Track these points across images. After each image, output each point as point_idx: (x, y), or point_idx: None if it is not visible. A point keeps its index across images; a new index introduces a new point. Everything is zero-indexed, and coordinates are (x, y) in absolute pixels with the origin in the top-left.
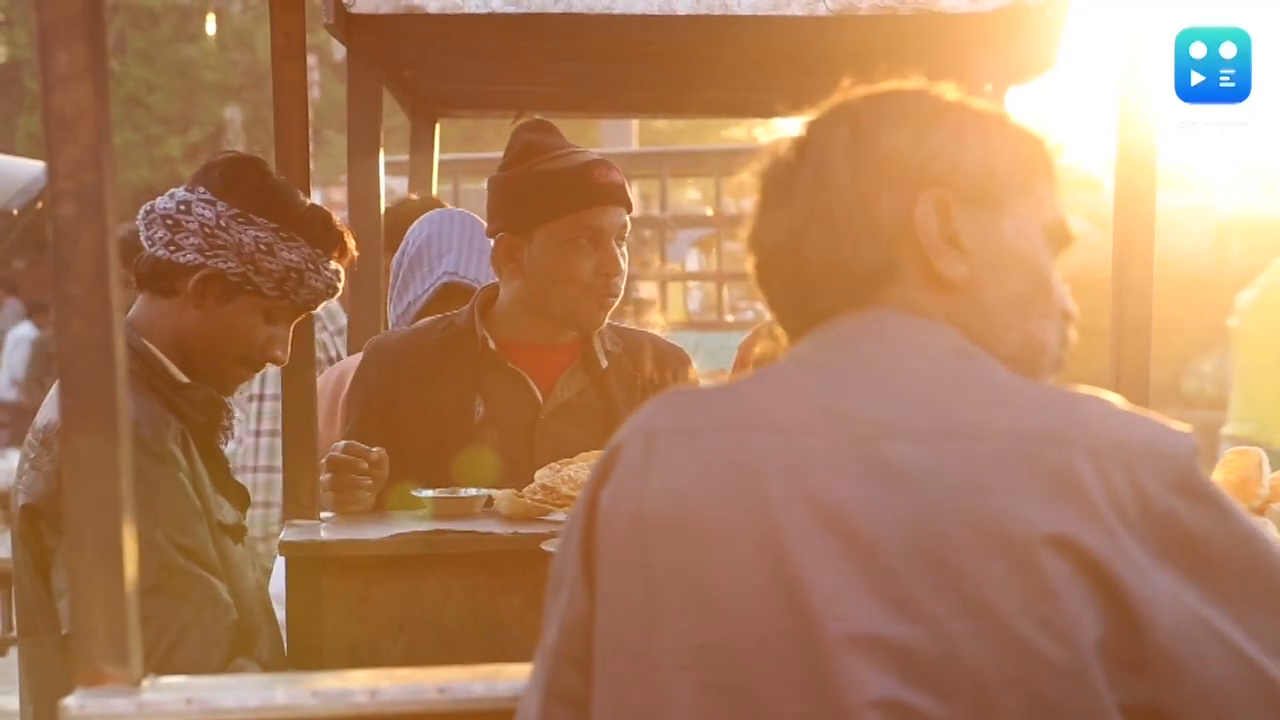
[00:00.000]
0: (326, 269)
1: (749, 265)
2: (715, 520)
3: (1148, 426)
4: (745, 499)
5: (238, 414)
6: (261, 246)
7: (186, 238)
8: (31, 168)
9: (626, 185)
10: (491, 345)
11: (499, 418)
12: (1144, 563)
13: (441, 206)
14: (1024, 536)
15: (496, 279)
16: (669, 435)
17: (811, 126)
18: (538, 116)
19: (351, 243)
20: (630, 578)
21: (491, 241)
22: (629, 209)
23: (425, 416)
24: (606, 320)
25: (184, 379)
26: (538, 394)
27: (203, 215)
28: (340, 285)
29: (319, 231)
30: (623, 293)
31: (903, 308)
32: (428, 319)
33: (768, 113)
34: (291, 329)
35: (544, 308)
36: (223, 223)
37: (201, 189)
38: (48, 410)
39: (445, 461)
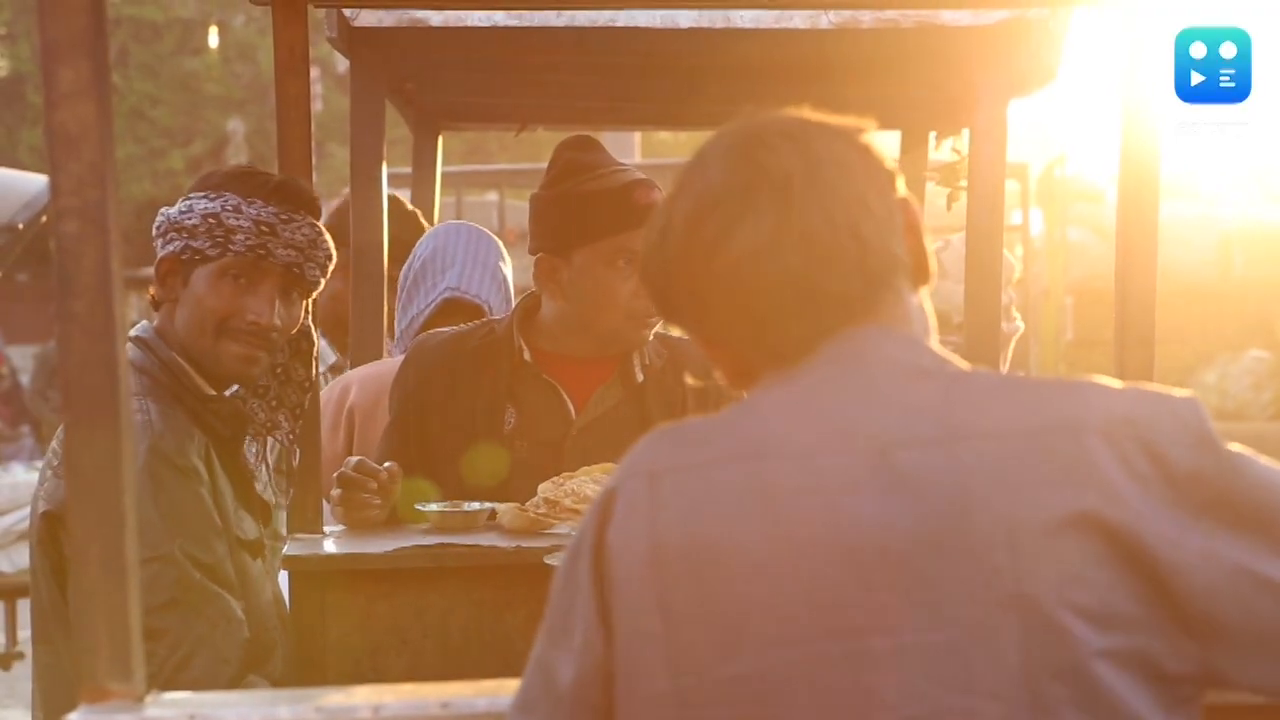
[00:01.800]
0: (250, 208)
1: (679, 298)
2: (737, 551)
3: (1152, 397)
4: (766, 527)
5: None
6: (184, 212)
7: (158, 240)
8: (35, 182)
9: None
10: (527, 356)
11: (529, 429)
12: (1172, 531)
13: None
14: (1051, 525)
15: (499, 293)
16: (673, 473)
17: (756, 152)
18: (540, 129)
19: (297, 187)
20: (648, 617)
21: (499, 255)
22: None
23: (456, 423)
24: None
25: (210, 391)
26: (571, 408)
27: (167, 212)
28: (287, 226)
29: (242, 180)
30: None
31: (882, 322)
32: (472, 324)
33: None
34: (274, 293)
35: (586, 328)
36: (178, 210)
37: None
38: None
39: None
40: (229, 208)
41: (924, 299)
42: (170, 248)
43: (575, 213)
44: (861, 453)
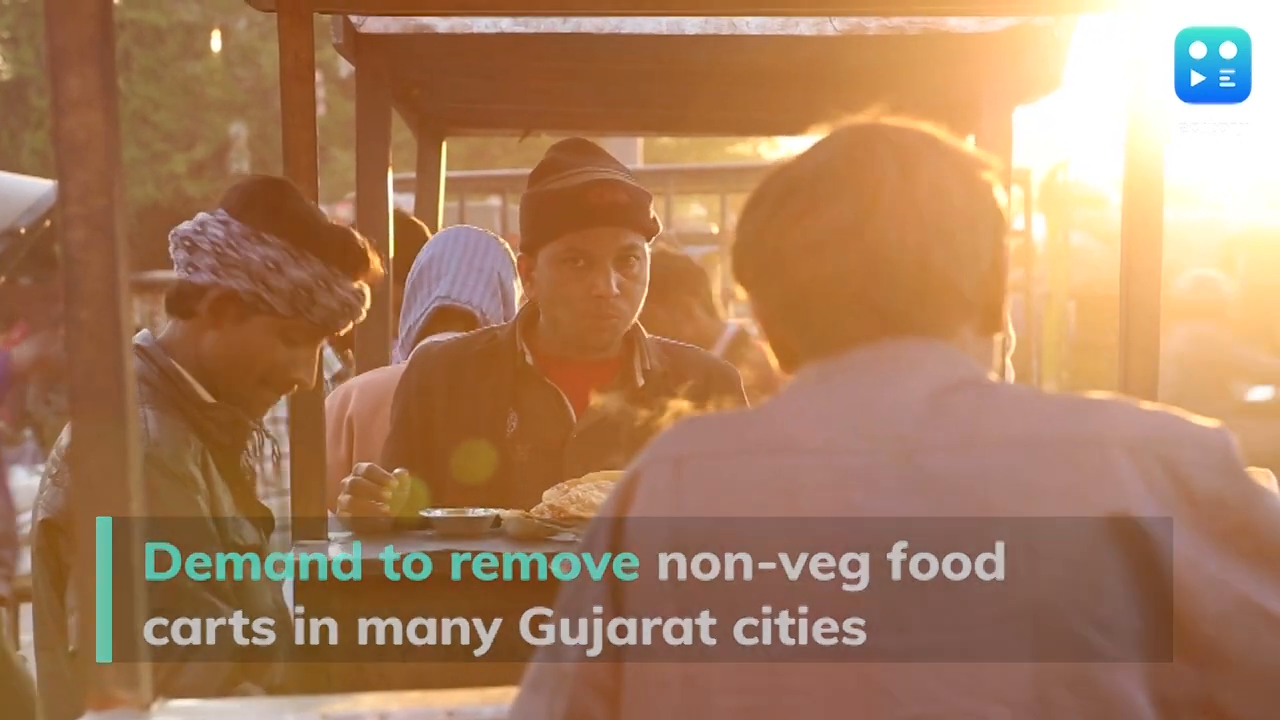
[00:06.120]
0: (341, 288)
1: (748, 268)
2: (755, 541)
3: (1181, 422)
4: (785, 519)
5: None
6: (270, 264)
7: (202, 258)
8: (39, 186)
9: (637, 204)
10: (529, 360)
11: (531, 433)
12: (1191, 552)
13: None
14: (1071, 535)
15: (494, 299)
16: (699, 460)
17: (858, 152)
18: (544, 134)
19: (375, 261)
20: (664, 602)
21: (500, 260)
22: (639, 229)
23: (459, 428)
24: (653, 338)
25: (210, 399)
26: (571, 411)
27: (215, 235)
28: (362, 304)
29: (335, 249)
30: (635, 312)
31: (929, 339)
32: (476, 330)
33: (774, 131)
34: (317, 351)
35: (556, 327)
36: (234, 241)
37: (220, 210)
38: None
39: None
40: (323, 283)
41: (988, 345)
42: (236, 284)
43: (539, 212)
44: (886, 453)
